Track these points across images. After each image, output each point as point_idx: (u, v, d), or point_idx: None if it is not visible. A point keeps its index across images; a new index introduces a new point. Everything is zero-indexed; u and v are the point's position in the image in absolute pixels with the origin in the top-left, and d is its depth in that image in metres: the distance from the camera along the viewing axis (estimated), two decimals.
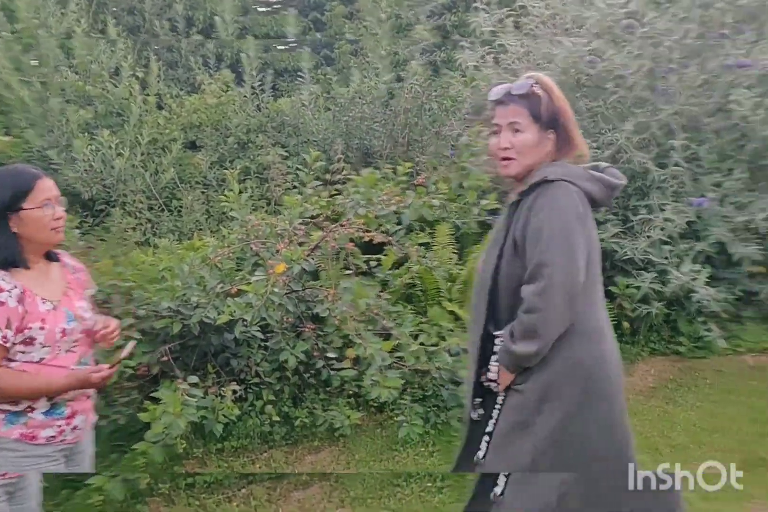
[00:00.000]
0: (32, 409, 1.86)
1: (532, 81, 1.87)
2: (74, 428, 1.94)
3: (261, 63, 6.99)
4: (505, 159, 1.85)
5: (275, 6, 9.53)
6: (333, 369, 3.37)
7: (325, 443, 3.41)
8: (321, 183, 4.16)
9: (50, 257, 1.98)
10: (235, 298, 3.33)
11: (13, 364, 1.83)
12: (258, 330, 3.38)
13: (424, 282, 4.07)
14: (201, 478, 3.14)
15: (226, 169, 5.84)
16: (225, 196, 4.53)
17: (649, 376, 4.21)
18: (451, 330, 3.75)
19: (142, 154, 5.51)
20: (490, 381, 1.83)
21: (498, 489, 1.81)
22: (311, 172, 4.17)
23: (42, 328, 1.84)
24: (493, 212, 4.61)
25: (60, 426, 1.91)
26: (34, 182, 1.86)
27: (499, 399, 1.84)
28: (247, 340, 3.49)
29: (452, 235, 4.56)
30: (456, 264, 4.15)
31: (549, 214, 1.73)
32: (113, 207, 5.19)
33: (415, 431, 3.22)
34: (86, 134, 5.45)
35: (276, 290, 3.26)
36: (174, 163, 5.63)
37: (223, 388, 3.28)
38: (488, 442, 1.83)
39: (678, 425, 3.44)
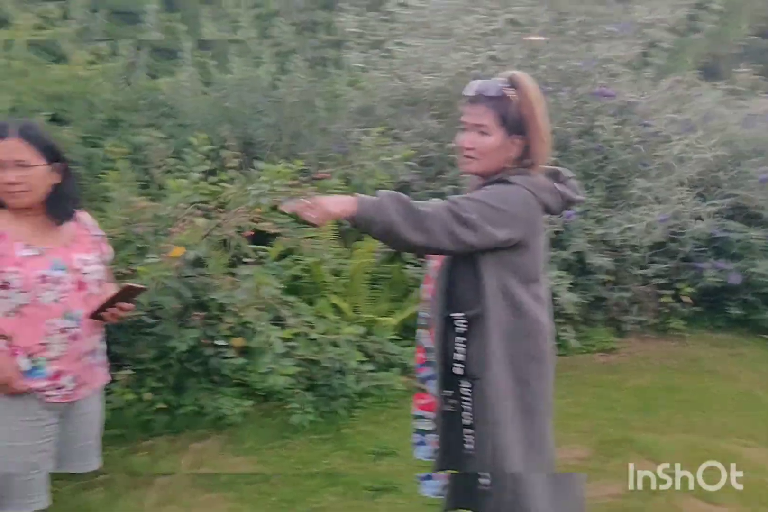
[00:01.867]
0: None
1: (505, 82, 1.80)
2: (60, 388, 1.89)
3: (136, 40, 6.65)
4: (467, 157, 1.85)
5: None
6: (224, 357, 3.34)
7: (211, 431, 3.37)
8: (207, 168, 4.08)
9: (62, 215, 1.91)
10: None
11: None
12: (146, 315, 3.27)
13: (313, 275, 4.11)
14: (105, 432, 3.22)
15: (95, 146, 5.53)
16: (104, 174, 4.32)
17: None
18: (337, 323, 3.84)
19: None
20: (456, 362, 1.81)
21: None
22: (199, 156, 4.07)
23: (17, 273, 1.79)
24: None
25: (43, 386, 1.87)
26: None
27: (466, 391, 1.81)
28: (132, 326, 3.36)
29: (336, 230, 4.64)
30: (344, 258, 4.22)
31: (493, 189, 1.80)
32: None
33: (308, 418, 3.28)
34: None
35: (169, 274, 3.19)
36: None
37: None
38: (472, 434, 1.81)
39: None
